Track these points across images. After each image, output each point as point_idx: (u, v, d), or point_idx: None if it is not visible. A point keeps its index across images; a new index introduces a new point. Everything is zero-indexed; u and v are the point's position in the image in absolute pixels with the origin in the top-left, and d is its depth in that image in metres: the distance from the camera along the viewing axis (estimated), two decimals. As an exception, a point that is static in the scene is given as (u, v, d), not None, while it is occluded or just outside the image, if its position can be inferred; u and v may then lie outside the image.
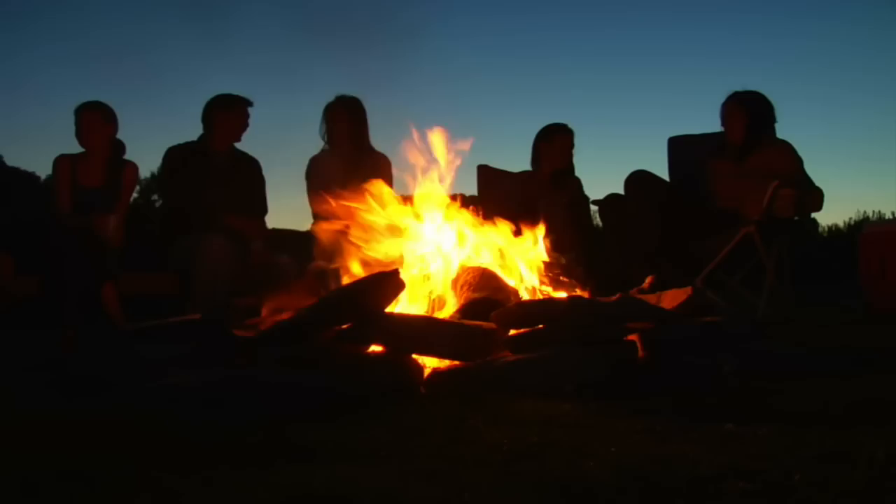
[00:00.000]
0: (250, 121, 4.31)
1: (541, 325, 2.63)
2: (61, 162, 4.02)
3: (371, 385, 2.33)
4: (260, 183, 4.44)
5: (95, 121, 4.02)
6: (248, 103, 4.30)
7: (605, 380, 2.36)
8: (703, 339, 2.74)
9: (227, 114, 4.25)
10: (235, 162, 4.34)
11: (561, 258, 3.22)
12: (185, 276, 3.85)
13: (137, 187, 12.31)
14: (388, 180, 4.34)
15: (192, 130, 4.34)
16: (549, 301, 2.88)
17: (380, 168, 4.34)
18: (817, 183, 4.20)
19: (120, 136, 4.12)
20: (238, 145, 4.36)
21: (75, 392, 2.35)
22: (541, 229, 3.22)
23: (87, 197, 3.98)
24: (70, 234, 3.67)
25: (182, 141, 4.33)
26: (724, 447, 1.56)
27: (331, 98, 4.57)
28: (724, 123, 4.43)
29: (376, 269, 2.83)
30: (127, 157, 4.16)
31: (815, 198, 4.14)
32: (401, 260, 2.97)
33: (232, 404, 2.13)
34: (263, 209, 4.43)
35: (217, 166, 4.23)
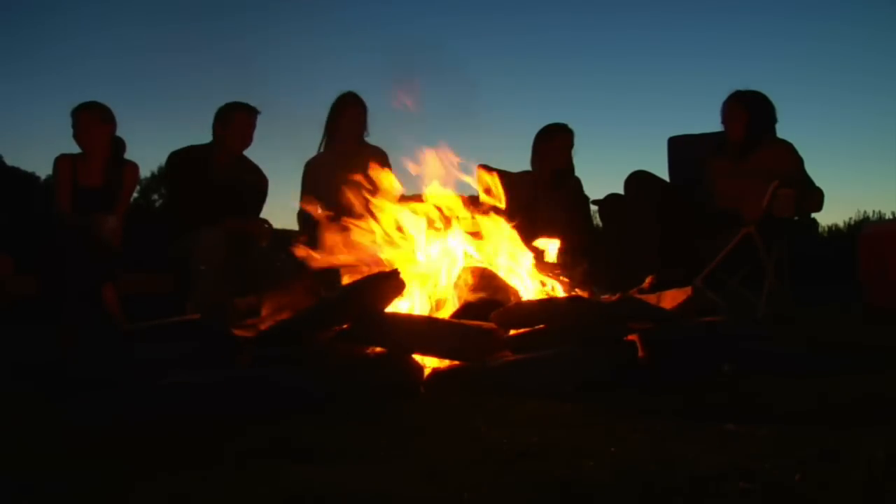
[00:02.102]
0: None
1: (541, 325, 2.63)
2: (62, 162, 4.00)
3: (371, 385, 2.33)
4: (262, 197, 4.41)
5: (93, 121, 4.00)
6: (254, 112, 4.22)
7: (605, 380, 2.36)
8: (703, 339, 2.74)
9: (232, 130, 4.19)
10: (242, 170, 4.30)
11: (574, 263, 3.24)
12: (184, 271, 3.86)
13: (137, 187, 12.31)
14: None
15: (193, 130, 4.34)
16: (549, 301, 2.88)
17: (376, 161, 4.33)
18: (817, 183, 4.20)
19: (121, 135, 4.11)
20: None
21: (74, 391, 2.35)
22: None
23: (88, 197, 3.97)
24: (71, 234, 3.66)
25: (182, 142, 4.33)
26: (724, 447, 1.56)
27: (328, 98, 4.58)
28: (724, 122, 4.42)
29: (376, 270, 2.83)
30: (128, 156, 4.16)
31: (815, 198, 4.14)
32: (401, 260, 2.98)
33: (231, 404, 2.13)
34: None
35: (222, 173, 4.21)
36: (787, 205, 3.90)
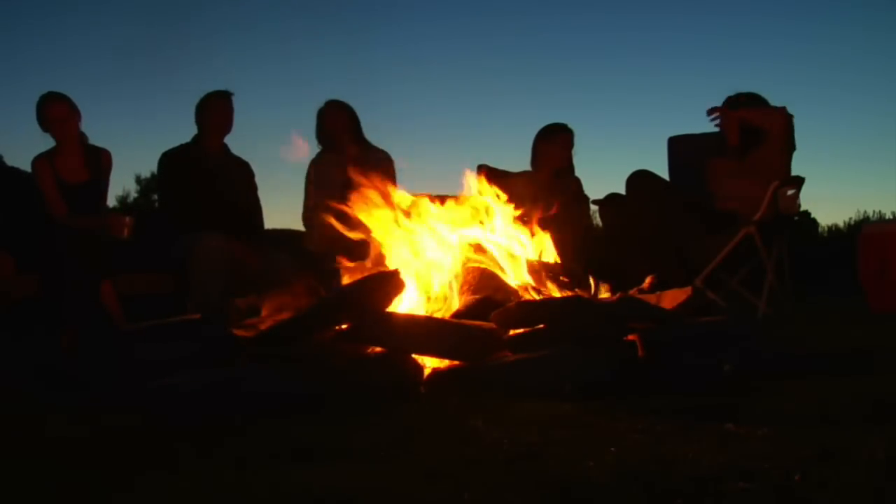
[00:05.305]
0: (236, 114, 4.28)
1: (541, 325, 2.62)
2: (41, 164, 3.90)
3: (371, 385, 2.33)
4: (254, 187, 4.45)
5: (66, 110, 3.92)
6: (227, 96, 4.25)
7: (605, 380, 2.36)
8: (703, 339, 2.74)
9: (210, 113, 4.23)
10: (228, 165, 4.34)
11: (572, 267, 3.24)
12: (183, 273, 3.86)
13: (138, 187, 12.28)
14: (392, 177, 4.35)
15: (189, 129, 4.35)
16: (549, 301, 2.88)
17: (382, 166, 4.34)
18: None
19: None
20: (236, 146, 4.38)
21: (74, 391, 2.36)
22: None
23: (77, 194, 3.93)
24: (69, 236, 3.65)
25: (174, 142, 4.35)
26: (724, 447, 1.56)
27: (322, 101, 4.60)
28: (722, 129, 4.43)
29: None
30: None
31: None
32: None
33: (231, 404, 2.13)
34: (258, 212, 4.44)
35: (211, 169, 4.23)
36: (792, 202, 3.91)
